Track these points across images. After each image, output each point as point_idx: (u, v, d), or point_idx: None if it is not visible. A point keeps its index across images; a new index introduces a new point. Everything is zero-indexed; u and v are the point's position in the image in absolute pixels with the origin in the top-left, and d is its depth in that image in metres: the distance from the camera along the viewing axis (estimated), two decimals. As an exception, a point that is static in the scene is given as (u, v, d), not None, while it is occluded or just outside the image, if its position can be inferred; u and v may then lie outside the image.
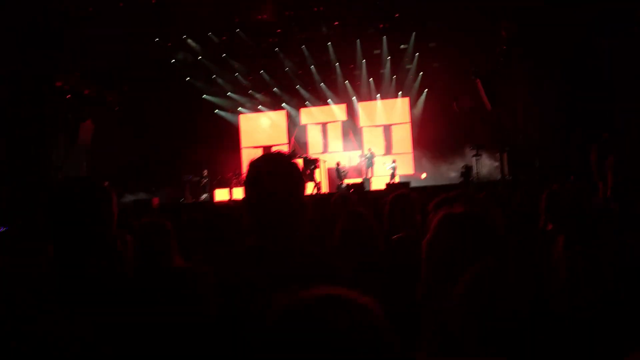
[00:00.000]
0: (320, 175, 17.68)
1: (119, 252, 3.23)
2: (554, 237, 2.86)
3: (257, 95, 21.55)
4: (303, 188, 1.77)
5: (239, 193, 17.77)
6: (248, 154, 21.29)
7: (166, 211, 11.38)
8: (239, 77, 20.97)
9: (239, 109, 21.86)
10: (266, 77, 20.94)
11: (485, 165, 16.63)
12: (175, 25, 17.68)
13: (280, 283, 1.07)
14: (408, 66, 20.42)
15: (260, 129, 21.83)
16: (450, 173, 18.03)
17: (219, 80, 20.92)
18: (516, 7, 14.55)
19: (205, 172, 19.00)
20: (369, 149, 20.17)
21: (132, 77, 18.17)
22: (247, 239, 1.76)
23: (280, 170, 1.73)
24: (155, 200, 14.58)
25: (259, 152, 19.89)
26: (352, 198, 4.67)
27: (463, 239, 1.79)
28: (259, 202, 1.72)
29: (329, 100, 21.38)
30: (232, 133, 21.81)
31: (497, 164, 15.90)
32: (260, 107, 21.76)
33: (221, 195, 18.42)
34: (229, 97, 21.42)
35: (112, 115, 18.15)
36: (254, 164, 1.76)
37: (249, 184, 1.75)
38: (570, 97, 13.84)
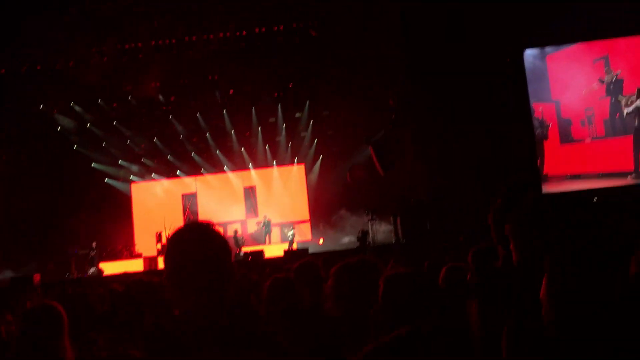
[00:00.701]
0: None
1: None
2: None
3: (150, 164, 20.96)
4: (230, 255, 1.72)
5: (131, 266, 16.88)
6: (140, 225, 20.45)
7: (49, 288, 10.54)
8: (131, 144, 20.37)
9: (131, 177, 21.10)
10: (159, 144, 20.50)
11: (380, 229, 17.03)
12: (62, 91, 17.07)
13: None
14: (303, 134, 20.85)
15: (154, 198, 21.10)
16: (349, 238, 18.27)
17: (110, 149, 20.19)
18: (401, 79, 15.47)
19: (94, 244, 17.92)
20: (264, 216, 20.10)
21: (14, 143, 17.16)
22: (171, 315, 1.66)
23: (209, 238, 1.68)
24: (37, 277, 13.49)
25: (151, 222, 19.17)
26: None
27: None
28: (188, 272, 1.63)
29: (225, 167, 21.23)
30: (123, 202, 20.89)
31: (391, 227, 16.34)
32: (153, 175, 21.13)
33: (111, 268, 17.37)
34: (120, 165, 20.66)
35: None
36: (179, 234, 1.69)
37: (176, 254, 1.66)
38: (456, 158, 14.70)
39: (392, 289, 2.05)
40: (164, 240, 17.30)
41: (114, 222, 19.38)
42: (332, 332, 2.35)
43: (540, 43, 15.50)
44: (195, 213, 20.88)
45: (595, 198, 14.19)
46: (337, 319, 2.31)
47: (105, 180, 20.61)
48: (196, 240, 1.67)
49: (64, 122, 18.88)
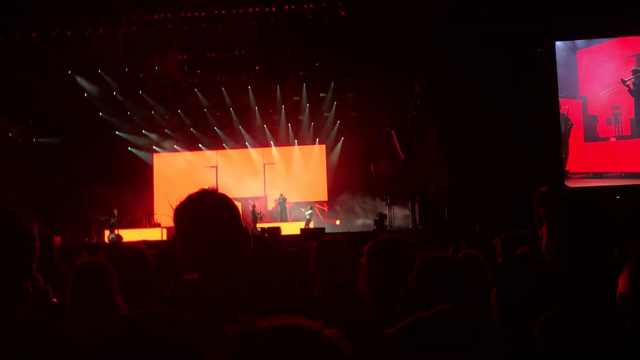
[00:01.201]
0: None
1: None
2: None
3: (173, 135, 21.12)
4: (240, 223, 1.71)
5: (150, 234, 17.13)
6: (160, 194, 20.67)
7: (69, 251, 10.73)
8: (155, 115, 20.53)
9: (154, 147, 21.30)
10: (183, 116, 20.64)
11: (398, 215, 17.03)
12: (91, 58, 17.21)
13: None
14: (326, 114, 20.82)
15: (175, 170, 21.30)
16: (364, 221, 18.31)
17: (134, 118, 20.37)
18: (430, 64, 15.32)
19: (115, 212, 18.16)
20: (281, 194, 20.19)
21: (41, 109, 17.39)
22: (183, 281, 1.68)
23: (221, 206, 1.68)
24: (57, 239, 13.73)
25: (173, 193, 19.33)
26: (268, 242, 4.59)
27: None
28: (200, 239, 1.63)
29: (247, 143, 21.32)
30: (145, 172, 21.16)
31: (409, 213, 16.32)
32: (175, 146, 21.32)
33: (129, 236, 17.64)
34: (143, 134, 20.86)
35: (16, 148, 17.19)
36: (191, 200, 1.69)
37: (188, 221, 1.66)
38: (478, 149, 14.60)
39: (428, 270, 2.05)
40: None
41: (135, 190, 19.64)
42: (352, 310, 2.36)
43: (571, 36, 15.21)
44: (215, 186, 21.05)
45: (618, 197, 14.02)
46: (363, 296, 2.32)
47: (129, 149, 20.86)
48: (207, 206, 1.67)
49: (91, 88, 19.05)
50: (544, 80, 14.88)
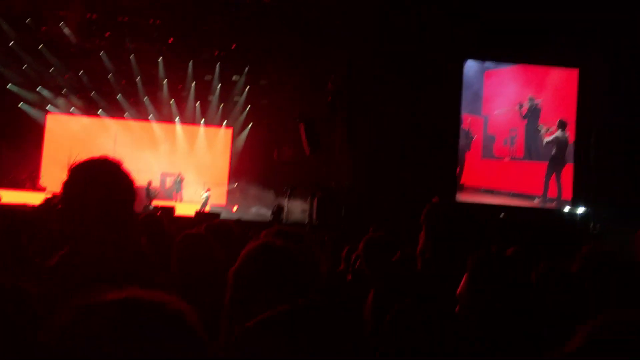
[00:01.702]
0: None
1: None
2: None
3: (72, 97, 19.91)
4: (133, 197, 1.65)
5: (33, 198, 16.04)
6: (50, 157, 19.45)
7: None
8: (55, 73, 19.24)
9: (48, 107, 19.97)
10: (85, 79, 19.50)
11: (297, 207, 17.08)
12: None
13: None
14: (237, 98, 20.50)
15: (69, 133, 20.08)
16: (262, 210, 18.23)
17: (31, 73, 18.98)
18: (345, 63, 15.51)
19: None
20: (179, 173, 19.67)
21: None
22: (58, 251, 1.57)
23: (112, 176, 1.60)
24: None
25: (62, 156, 18.24)
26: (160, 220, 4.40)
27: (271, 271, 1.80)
28: (85, 208, 1.55)
29: (150, 116, 20.54)
30: (35, 131, 19.78)
31: (307, 207, 16.42)
32: (73, 109, 20.11)
33: (9, 197, 16.41)
34: (38, 92, 19.49)
35: None
36: (82, 167, 1.60)
37: (72, 190, 1.58)
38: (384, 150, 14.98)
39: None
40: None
41: (20, 149, 18.32)
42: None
43: (481, 56, 15.95)
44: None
45: (503, 214, 14.89)
46: None
47: (19, 105, 19.42)
48: (97, 174, 1.59)
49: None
50: (450, 94, 15.50)
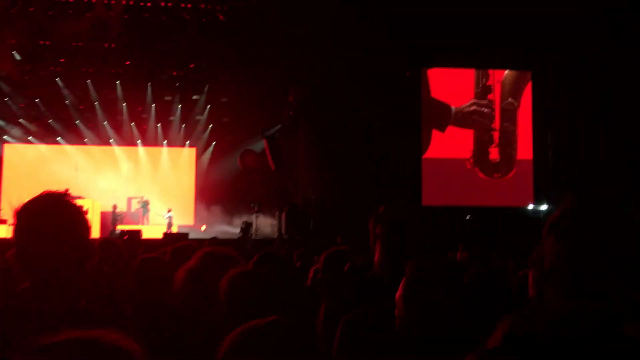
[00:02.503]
0: (92, 218, 16.43)
1: None
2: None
3: (29, 126, 19.51)
4: (85, 229, 1.64)
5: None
6: (10, 189, 19.00)
7: None
8: (9, 102, 18.85)
9: (5, 137, 19.53)
10: (42, 107, 19.15)
11: (265, 223, 17.05)
12: None
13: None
14: (198, 117, 20.40)
15: (28, 163, 19.66)
16: (231, 228, 18.12)
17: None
18: (302, 74, 15.63)
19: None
20: (142, 196, 19.45)
21: None
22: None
23: (64, 213, 1.59)
24: None
25: (22, 187, 17.83)
26: (119, 245, 4.38)
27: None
28: (32, 245, 1.55)
29: (111, 141, 20.27)
30: (-7, 162, 19.32)
31: (276, 222, 16.41)
32: (30, 138, 19.70)
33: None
34: (-7, 122, 19.07)
35: None
36: (33, 203, 1.60)
37: (23, 226, 1.58)
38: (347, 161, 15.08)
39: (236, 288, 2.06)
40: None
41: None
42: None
43: (440, 64, 16.22)
44: (65, 188, 19.73)
45: (468, 216, 15.12)
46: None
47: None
48: (47, 212, 1.58)
49: None
50: (411, 103, 15.71)
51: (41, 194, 1.64)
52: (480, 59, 15.83)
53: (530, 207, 16.02)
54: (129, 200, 20.16)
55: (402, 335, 1.92)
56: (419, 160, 15.86)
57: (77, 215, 1.62)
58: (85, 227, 1.65)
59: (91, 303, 1.61)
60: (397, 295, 1.96)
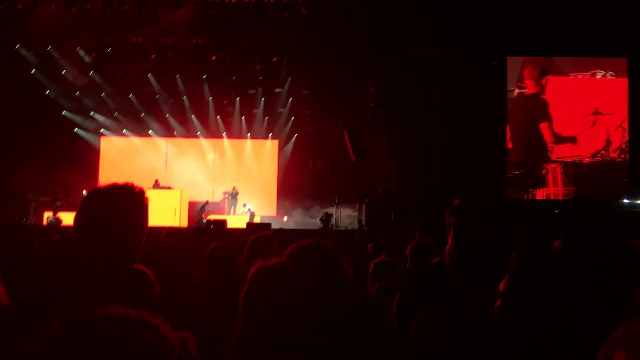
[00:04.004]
0: (180, 208, 17.16)
1: None
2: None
3: (123, 119, 20.63)
4: (140, 220, 1.69)
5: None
6: (106, 179, 20.13)
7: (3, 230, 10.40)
8: (105, 97, 20.00)
9: (102, 130, 20.76)
10: (135, 101, 20.19)
11: (345, 215, 17.14)
12: (41, 34, 16.65)
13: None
14: (280, 109, 20.75)
15: (122, 154, 20.82)
16: (312, 219, 18.34)
17: (83, 99, 19.80)
18: (383, 67, 15.51)
19: (62, 195, 17.51)
20: (234, 187, 20.00)
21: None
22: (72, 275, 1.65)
23: (122, 205, 1.66)
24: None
25: (118, 176, 18.83)
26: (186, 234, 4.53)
27: (277, 289, 1.81)
28: (88, 234, 1.63)
29: (199, 134, 21.04)
30: (91, 155, 20.59)
31: (355, 214, 16.45)
32: (124, 131, 20.83)
33: (71, 219, 17.07)
34: (91, 116, 20.30)
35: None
36: (96, 194, 1.68)
37: (84, 213, 1.66)
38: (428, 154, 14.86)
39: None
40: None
41: (79, 173, 19.07)
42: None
43: (523, 52, 15.66)
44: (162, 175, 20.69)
45: (557, 210, 14.52)
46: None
47: (75, 130, 20.27)
48: (106, 202, 1.65)
49: (40, 66, 18.44)
50: (494, 92, 15.27)
51: (106, 185, 1.70)
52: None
53: (626, 200, 15.18)
54: (225, 194, 20.73)
55: (495, 328, 1.86)
56: (505, 154, 15.41)
57: (136, 209, 1.67)
58: (140, 217, 1.69)
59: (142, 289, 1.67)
60: (500, 287, 1.90)
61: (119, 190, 1.68)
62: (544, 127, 15.58)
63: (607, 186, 15.28)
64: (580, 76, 15.52)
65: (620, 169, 15.39)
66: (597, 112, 15.42)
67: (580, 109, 15.49)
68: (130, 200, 1.68)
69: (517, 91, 15.71)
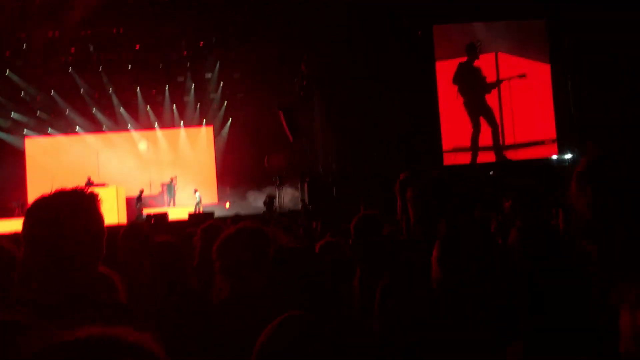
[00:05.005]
0: (119, 204, 16.62)
1: None
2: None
3: (46, 118, 19.69)
4: (97, 226, 1.61)
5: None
6: (35, 182, 19.28)
7: None
8: (25, 96, 19.00)
9: (25, 131, 19.75)
10: (57, 98, 19.28)
11: (288, 195, 17.11)
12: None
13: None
14: (212, 95, 20.37)
15: (50, 155, 19.89)
16: (255, 202, 18.22)
17: (1, 100, 18.75)
18: (315, 44, 15.44)
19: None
20: (172, 178, 19.56)
21: None
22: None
23: (75, 211, 1.57)
24: None
25: (46, 179, 18.05)
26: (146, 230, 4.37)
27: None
28: (39, 243, 1.53)
29: (129, 126, 20.39)
30: (15, 158, 19.57)
31: (298, 193, 16.45)
32: (50, 130, 19.90)
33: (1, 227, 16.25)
34: (12, 118, 19.27)
35: None
36: (44, 202, 1.57)
37: (33, 223, 1.56)
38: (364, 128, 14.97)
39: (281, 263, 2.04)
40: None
41: (4, 177, 18.16)
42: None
43: (449, 20, 15.90)
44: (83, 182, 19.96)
45: (492, 172, 14.99)
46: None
47: (-4, 134, 19.22)
48: (58, 210, 1.56)
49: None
50: (424, 60, 15.47)
51: (53, 192, 1.61)
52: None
53: (554, 157, 15.83)
54: (162, 185, 20.21)
55: (438, 295, 1.92)
56: (438, 123, 15.70)
57: (88, 212, 1.60)
58: (97, 222, 1.62)
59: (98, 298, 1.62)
60: (433, 256, 1.95)
61: (69, 197, 1.59)
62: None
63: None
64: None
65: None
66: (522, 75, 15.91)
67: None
68: (85, 204, 1.60)
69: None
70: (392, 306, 2.02)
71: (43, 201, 1.58)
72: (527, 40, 16.00)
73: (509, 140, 15.95)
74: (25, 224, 1.57)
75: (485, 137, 15.89)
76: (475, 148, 15.75)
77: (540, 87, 15.92)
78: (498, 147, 15.82)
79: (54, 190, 1.60)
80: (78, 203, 1.58)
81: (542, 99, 15.92)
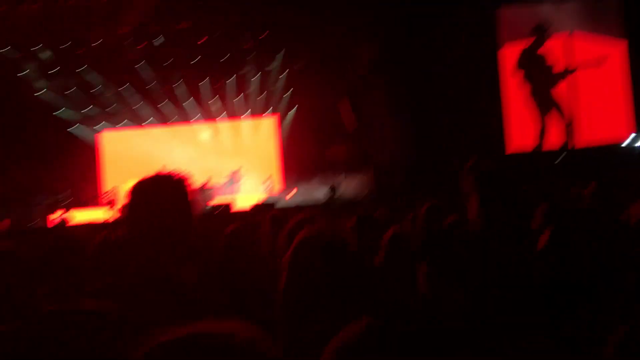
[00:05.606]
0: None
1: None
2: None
3: (118, 112, 20.44)
4: (188, 206, 1.75)
5: (100, 214, 16.72)
6: (111, 174, 20.12)
7: (14, 236, 10.40)
8: (97, 92, 19.79)
9: (102, 124, 20.58)
10: (128, 92, 19.98)
11: (352, 184, 17.07)
12: (27, 35, 16.47)
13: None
14: (277, 84, 20.55)
15: (122, 147, 20.67)
16: (319, 191, 18.27)
17: (75, 96, 19.61)
18: (377, 32, 15.27)
19: (65, 193, 17.48)
20: (236, 168, 19.93)
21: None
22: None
23: (171, 193, 1.71)
24: (6, 222, 13.22)
25: (122, 172, 18.80)
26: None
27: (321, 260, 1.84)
28: (142, 220, 1.68)
29: (195, 117, 20.88)
30: (90, 151, 20.45)
31: (362, 182, 16.39)
32: (122, 123, 20.65)
33: (83, 217, 17.02)
34: (87, 113, 20.12)
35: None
36: (139, 186, 1.73)
37: (134, 207, 1.71)
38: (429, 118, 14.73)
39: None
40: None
41: (80, 171, 19.04)
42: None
43: (516, 1, 15.32)
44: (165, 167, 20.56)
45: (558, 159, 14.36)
46: None
47: (69, 130, 20.06)
48: (155, 192, 1.70)
49: (29, 67, 18.27)
50: (487, 45, 14.98)
51: (149, 176, 1.75)
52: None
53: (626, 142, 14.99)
54: (218, 172, 20.64)
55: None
56: (500, 111, 15.18)
57: (184, 192, 1.74)
58: (191, 202, 1.76)
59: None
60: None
61: (168, 179, 1.75)
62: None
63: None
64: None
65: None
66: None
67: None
68: (181, 186, 1.75)
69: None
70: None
71: (145, 183, 1.72)
72: (601, 18, 15.17)
73: (578, 124, 15.20)
74: (129, 205, 1.71)
75: (553, 123, 15.24)
76: (541, 134, 15.06)
77: (614, 68, 15.10)
78: (568, 132, 15.09)
79: (149, 175, 1.75)
80: (176, 184, 1.73)
81: (616, 80, 15.10)
